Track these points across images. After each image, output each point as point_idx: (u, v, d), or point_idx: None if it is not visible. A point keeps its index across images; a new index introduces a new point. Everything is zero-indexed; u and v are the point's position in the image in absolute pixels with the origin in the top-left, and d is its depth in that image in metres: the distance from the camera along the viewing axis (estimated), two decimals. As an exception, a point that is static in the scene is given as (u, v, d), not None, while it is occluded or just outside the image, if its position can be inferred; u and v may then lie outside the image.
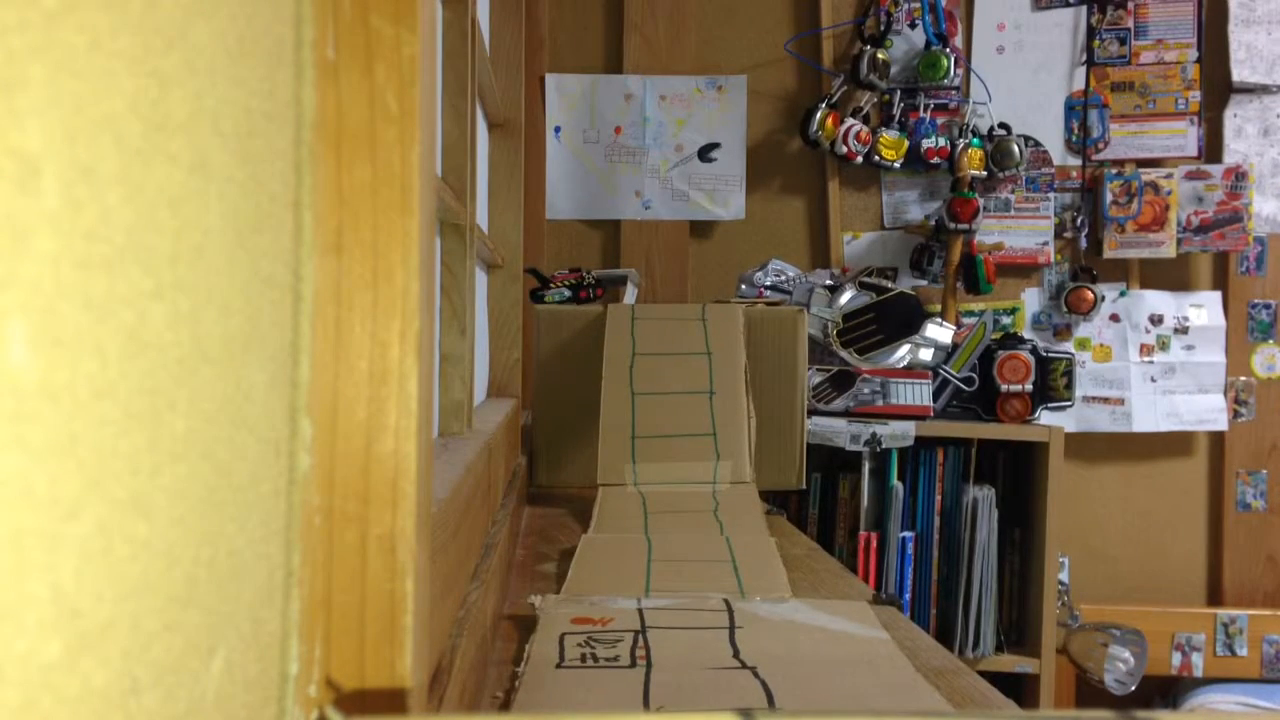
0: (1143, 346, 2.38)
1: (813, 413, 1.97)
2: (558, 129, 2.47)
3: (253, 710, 0.31)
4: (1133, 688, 2.02)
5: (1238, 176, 2.34)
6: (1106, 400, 2.38)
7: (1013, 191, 2.40)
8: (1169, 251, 2.34)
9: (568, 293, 2.04)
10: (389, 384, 0.40)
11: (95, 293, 0.21)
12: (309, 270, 0.38)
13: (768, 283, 2.20)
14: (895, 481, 2.01)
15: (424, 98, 0.42)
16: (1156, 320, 2.38)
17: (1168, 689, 2.37)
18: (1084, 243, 2.39)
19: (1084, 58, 2.40)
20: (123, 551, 0.22)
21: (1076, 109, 2.40)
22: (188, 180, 0.26)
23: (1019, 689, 2.03)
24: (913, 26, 2.41)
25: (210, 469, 0.28)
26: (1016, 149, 2.33)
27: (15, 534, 0.18)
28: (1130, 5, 2.39)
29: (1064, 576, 2.27)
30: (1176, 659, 2.32)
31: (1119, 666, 2.02)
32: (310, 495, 0.37)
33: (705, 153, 2.48)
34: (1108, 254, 2.36)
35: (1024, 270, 2.42)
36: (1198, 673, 2.32)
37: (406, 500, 0.40)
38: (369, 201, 0.40)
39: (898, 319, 2.06)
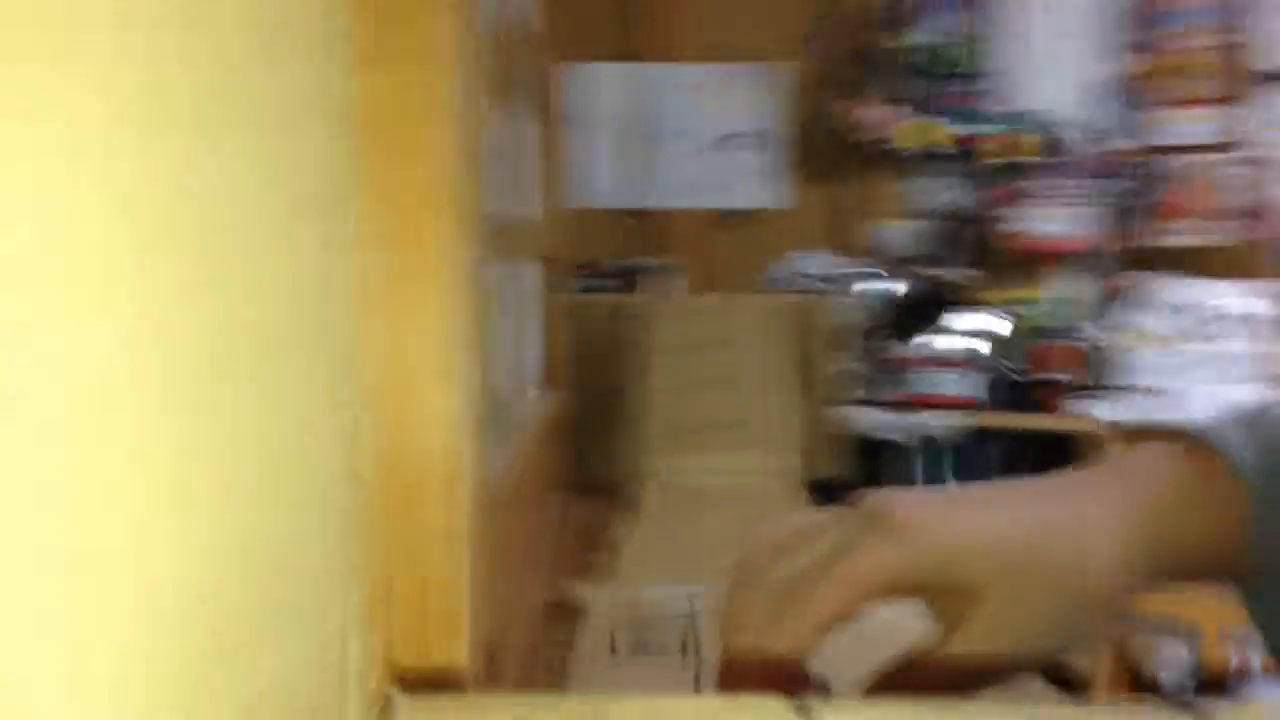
0: (1193, 335, 2.33)
1: (853, 403, 1.96)
2: (586, 117, 2.48)
3: (314, 697, 0.32)
4: (1190, 685, 1.95)
5: (1283, 156, 2.29)
6: (1158, 390, 2.33)
7: (1049, 177, 2.37)
8: (1218, 239, 2.29)
9: (600, 283, 2.05)
10: (441, 376, 0.40)
11: (148, 285, 0.21)
12: (358, 263, 0.38)
13: (800, 272, 2.19)
14: (941, 473, 1.99)
15: (464, 88, 0.42)
16: (1206, 309, 2.34)
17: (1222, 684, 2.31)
18: (1127, 229, 2.35)
19: (1120, 41, 2.36)
20: (191, 545, 0.22)
21: (1113, 93, 2.37)
22: (234, 173, 0.26)
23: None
24: (940, 10, 2.39)
25: (272, 463, 0.28)
26: (1050, 134, 2.30)
27: (102, 530, 0.18)
28: (1169, -16, 2.35)
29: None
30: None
31: (1171, 663, 1.97)
32: (367, 488, 0.38)
33: (732, 141, 2.47)
34: (1152, 241, 2.32)
35: (1065, 258, 2.39)
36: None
37: (460, 491, 0.40)
38: (414, 193, 0.40)
39: (932, 308, 2.04)
